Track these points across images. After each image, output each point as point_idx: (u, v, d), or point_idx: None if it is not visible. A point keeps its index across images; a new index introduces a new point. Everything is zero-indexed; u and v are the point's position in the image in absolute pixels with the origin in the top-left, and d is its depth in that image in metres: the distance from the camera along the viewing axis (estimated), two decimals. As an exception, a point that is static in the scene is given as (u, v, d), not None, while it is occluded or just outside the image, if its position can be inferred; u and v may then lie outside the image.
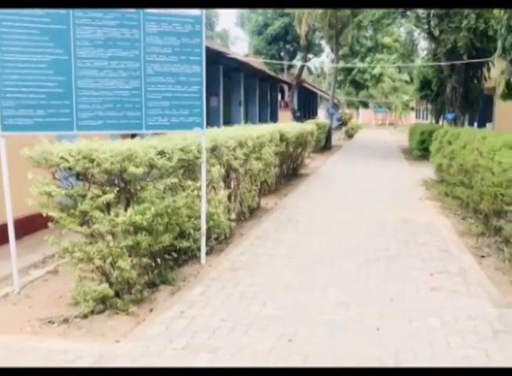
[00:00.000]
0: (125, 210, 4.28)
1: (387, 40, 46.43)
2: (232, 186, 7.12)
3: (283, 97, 35.19)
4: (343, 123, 38.75)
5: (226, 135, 6.69)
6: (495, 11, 11.55)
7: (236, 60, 20.88)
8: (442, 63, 20.67)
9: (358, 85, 58.08)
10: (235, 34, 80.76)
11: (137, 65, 4.97)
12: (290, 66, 34.48)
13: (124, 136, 5.56)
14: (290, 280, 5.08)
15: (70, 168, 4.06)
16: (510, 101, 13.29)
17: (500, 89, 11.99)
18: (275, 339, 3.74)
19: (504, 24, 10.62)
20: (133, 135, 5.69)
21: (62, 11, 4.56)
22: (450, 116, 21.00)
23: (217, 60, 17.70)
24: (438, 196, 10.31)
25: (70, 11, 4.58)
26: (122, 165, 4.16)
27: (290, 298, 4.60)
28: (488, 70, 20.87)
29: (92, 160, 4.06)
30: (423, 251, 6.27)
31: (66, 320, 3.99)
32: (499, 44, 11.26)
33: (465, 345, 3.69)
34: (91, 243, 4.17)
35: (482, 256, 6.06)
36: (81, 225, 4.16)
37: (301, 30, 25.40)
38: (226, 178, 6.84)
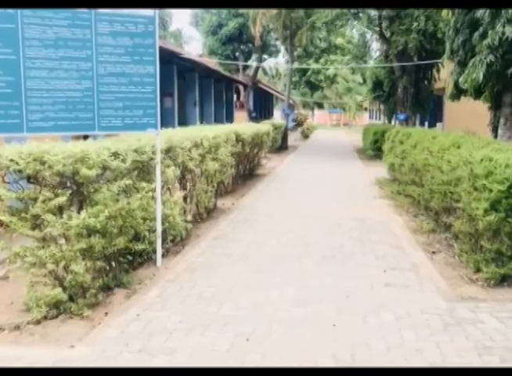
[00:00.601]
0: (78, 213, 4.20)
1: (340, 41, 47.16)
2: (188, 187, 7.09)
3: (238, 98, 35.24)
4: (299, 123, 39.16)
5: (181, 135, 6.66)
6: (444, 13, 11.87)
7: (191, 60, 20.79)
8: (394, 64, 21.16)
9: (313, 86, 58.76)
10: (189, 33, 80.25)
11: (89, 65, 4.88)
12: (246, 67, 34.57)
13: (77, 138, 5.46)
14: (248, 280, 5.10)
15: (20, 171, 3.96)
16: (458, 101, 13.72)
17: (449, 90, 12.34)
18: (233, 339, 3.75)
19: (452, 26, 10.92)
20: (85, 137, 5.59)
21: (10, 10, 4.43)
22: (402, 116, 21.51)
23: (171, 60, 17.57)
24: (391, 194, 10.56)
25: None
26: (74, 167, 4.08)
27: (247, 297, 4.62)
28: (438, 71, 21.48)
29: (44, 163, 3.97)
30: (377, 248, 6.41)
31: (17, 327, 3.88)
32: (448, 46, 11.58)
33: (417, 338, 3.80)
34: (43, 247, 4.07)
35: (433, 252, 6.25)
36: (33, 228, 4.06)
37: (256, 31, 25.49)
38: (182, 180, 6.80)
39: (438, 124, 25.65)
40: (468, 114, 18.15)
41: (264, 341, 3.74)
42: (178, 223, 5.96)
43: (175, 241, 6.23)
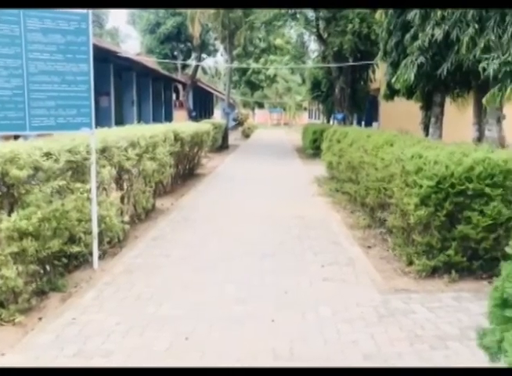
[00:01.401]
0: (9, 215, 4.05)
1: (279, 42, 47.60)
2: (125, 187, 6.97)
3: (178, 97, 34.91)
4: (239, 123, 39.28)
5: (117, 135, 6.54)
6: (377, 15, 12.22)
7: (128, 59, 20.41)
8: (331, 65, 21.63)
9: (253, 86, 59.06)
10: (126, 32, 78.53)
11: (18, 63, 4.72)
12: (185, 66, 34.29)
13: (6, 138, 5.26)
14: (188, 280, 5.08)
15: None
16: (392, 101, 14.17)
17: (382, 90, 12.76)
18: (172, 338, 3.73)
19: (385, 28, 11.26)
20: (16, 137, 5.39)
21: None
22: (339, 116, 22.02)
23: (107, 59, 17.20)
24: (329, 192, 10.78)
25: None
26: (4, 168, 3.93)
27: (187, 297, 4.60)
28: (374, 72, 22.13)
29: (-31, 164, 3.80)
30: (315, 244, 6.54)
31: None
32: (381, 47, 11.94)
33: (353, 330, 3.91)
34: (-30, 252, 3.90)
35: (369, 247, 6.45)
36: (-41, 233, 3.88)
37: (194, 30, 25.34)
38: (118, 180, 6.68)
39: (374, 123, 26.40)
40: (402, 114, 18.78)
41: (203, 339, 3.74)
42: (114, 224, 5.85)
43: (112, 243, 6.11)
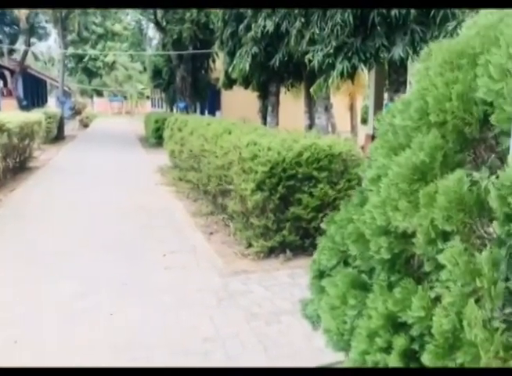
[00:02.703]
0: None
1: (117, 27, 46.06)
2: None
3: (5, 84, 32.05)
4: (76, 112, 37.32)
5: None
6: (213, 5, 12.39)
7: None
8: (170, 53, 21.49)
9: (90, 73, 56.44)
10: None
11: None
12: (12, 51, 31.58)
13: None
14: (20, 278, 4.73)
15: None
16: (231, 90, 14.55)
17: (221, 79, 13.02)
18: (2, 342, 3.45)
19: (221, 18, 11.49)
20: None
21: None
22: (182, 104, 22.02)
23: None
24: (172, 181, 10.75)
25: None
26: None
27: (19, 296, 4.29)
28: (214, 61, 22.43)
29: None
30: (158, 233, 6.49)
31: None
32: (218, 36, 12.16)
33: (193, 315, 3.97)
34: None
35: (211, 233, 6.57)
36: None
37: (20, 12, 23.42)
38: None
39: (217, 112, 26.85)
40: (243, 103, 19.36)
41: (38, 338, 3.52)
42: None
43: None
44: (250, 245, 5.68)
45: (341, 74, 6.37)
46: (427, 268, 1.55)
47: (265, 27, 8.90)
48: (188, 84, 22.05)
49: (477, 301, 1.35)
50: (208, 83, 23.94)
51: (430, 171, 1.70)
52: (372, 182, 1.91)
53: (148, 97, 60.13)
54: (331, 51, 6.55)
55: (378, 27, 6.14)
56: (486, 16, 2.10)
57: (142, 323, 3.83)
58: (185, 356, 3.31)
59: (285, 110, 13.49)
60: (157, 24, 21.93)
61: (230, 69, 10.26)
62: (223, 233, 6.53)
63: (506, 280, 1.40)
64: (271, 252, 5.50)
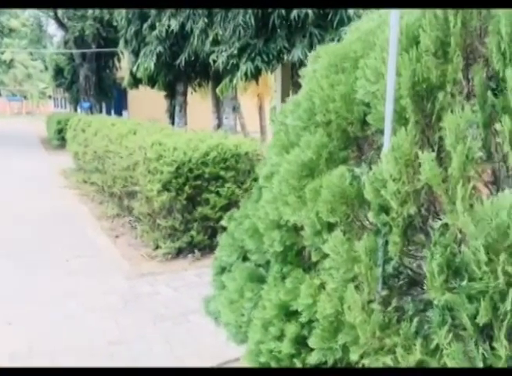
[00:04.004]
0: None
1: (14, 23, 43.60)
2: None
3: None
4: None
5: None
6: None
7: None
8: (73, 51, 20.72)
9: (-14, 71, 53.02)
10: None
11: None
12: None
13: None
14: None
15: None
16: (142, 90, 14.27)
17: (126, 79, 12.77)
18: None
19: (124, 16, 11.25)
20: None
21: None
22: (86, 104, 21.31)
23: None
24: (76, 183, 10.39)
25: None
26: None
27: None
28: (119, 60, 21.89)
29: None
30: (61, 238, 6.26)
31: None
32: (122, 35, 11.91)
33: (99, 319, 3.88)
34: None
35: (117, 236, 6.44)
36: None
37: None
38: None
39: (124, 112, 26.24)
40: (152, 102, 19.07)
41: None
42: None
43: None
44: (157, 247, 5.63)
45: (246, 75, 6.49)
46: (314, 258, 1.66)
47: (169, 26, 8.84)
48: (92, 83, 21.38)
49: (357, 286, 1.46)
50: (114, 82, 23.32)
51: (317, 168, 1.80)
52: (266, 179, 1.99)
53: (50, 97, 57.52)
54: (235, 52, 6.65)
55: (279, 30, 6.34)
56: (368, 22, 2.26)
57: (45, 330, 3.69)
58: (90, 359, 3.24)
59: (193, 109, 13.48)
60: (58, 21, 21.04)
61: (135, 68, 10.08)
62: (130, 236, 6.42)
63: (384, 264, 1.53)
64: (179, 253, 5.50)
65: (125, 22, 11.14)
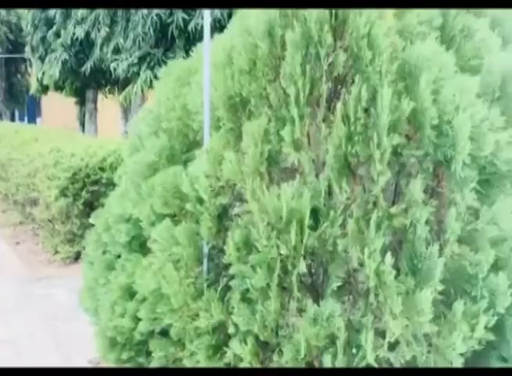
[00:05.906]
0: None
1: None
2: None
3: None
4: None
5: None
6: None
7: None
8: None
9: None
10: None
11: None
12: None
13: None
14: None
15: None
16: (57, 96, 13.98)
17: (34, 85, 12.55)
18: None
19: (30, 22, 11.07)
20: None
21: None
22: (-6, 111, 20.51)
23: None
24: (-21, 192, 10.09)
25: None
26: None
27: None
28: (31, 65, 21.22)
29: None
30: (-43, 247, 6.17)
31: None
32: (28, 41, 11.68)
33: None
34: None
35: (17, 243, 6.43)
36: None
37: None
38: None
39: (38, 119, 25.42)
40: (66, 109, 18.65)
41: None
42: None
43: None
44: (56, 252, 5.70)
45: (145, 83, 6.68)
46: (148, 245, 1.93)
47: (74, 33, 8.83)
48: (1, 89, 20.62)
49: (179, 265, 1.75)
50: (26, 88, 22.57)
51: (160, 168, 2.08)
52: (119, 179, 2.25)
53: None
54: (135, 61, 6.82)
55: (177, 40, 6.59)
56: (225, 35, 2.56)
57: None
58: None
59: (105, 116, 13.41)
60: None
61: (40, 75, 9.97)
62: (32, 243, 6.42)
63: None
64: (78, 257, 5.59)
65: (31, 28, 10.97)
